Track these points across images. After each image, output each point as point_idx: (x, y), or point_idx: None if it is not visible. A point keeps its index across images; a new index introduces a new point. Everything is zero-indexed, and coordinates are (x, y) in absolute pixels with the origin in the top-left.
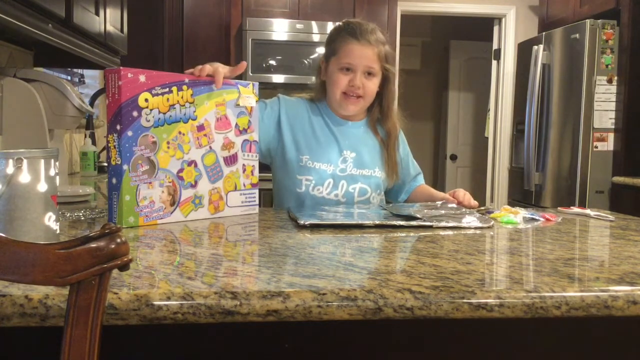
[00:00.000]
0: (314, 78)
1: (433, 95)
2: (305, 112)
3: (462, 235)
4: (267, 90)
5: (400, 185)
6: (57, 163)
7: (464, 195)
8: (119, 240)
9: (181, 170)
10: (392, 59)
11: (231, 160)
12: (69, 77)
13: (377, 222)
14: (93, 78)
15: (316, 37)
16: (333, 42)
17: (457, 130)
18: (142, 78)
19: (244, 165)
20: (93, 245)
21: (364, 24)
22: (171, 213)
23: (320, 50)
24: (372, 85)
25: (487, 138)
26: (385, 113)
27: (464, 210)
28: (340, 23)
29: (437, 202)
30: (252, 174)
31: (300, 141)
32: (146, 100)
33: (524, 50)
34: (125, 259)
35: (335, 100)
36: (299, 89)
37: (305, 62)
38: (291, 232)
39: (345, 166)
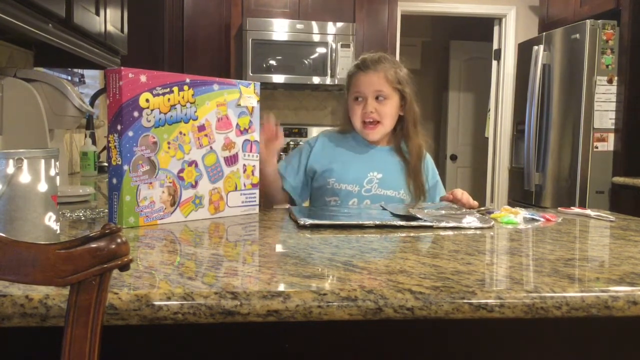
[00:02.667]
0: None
1: (433, 95)
2: (332, 144)
3: (462, 236)
4: (267, 91)
5: None
6: (57, 163)
7: (462, 194)
8: (119, 240)
9: (182, 170)
10: (406, 80)
11: (232, 160)
12: (69, 77)
13: (378, 223)
14: (93, 78)
15: (316, 37)
16: (348, 79)
17: (457, 130)
18: (142, 78)
19: (244, 165)
20: (93, 245)
21: (372, 55)
22: (171, 213)
23: (321, 50)
24: (386, 108)
25: (487, 138)
26: (406, 133)
27: (464, 210)
28: (355, 61)
29: (437, 203)
30: (253, 174)
31: (326, 170)
32: (147, 100)
33: (524, 51)
34: (126, 259)
35: (357, 129)
36: (299, 89)
37: (306, 62)
38: (291, 232)
39: (370, 186)
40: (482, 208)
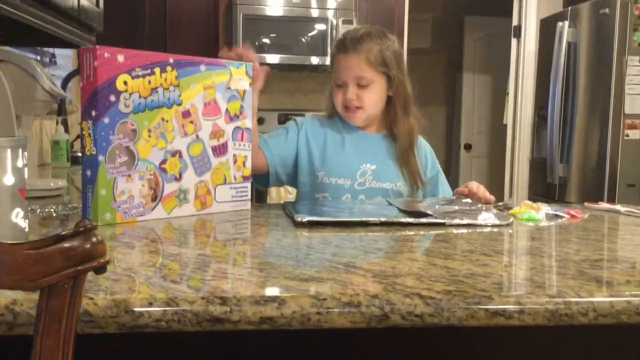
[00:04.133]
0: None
1: (445, 77)
2: (320, 129)
3: (477, 234)
4: None
5: None
6: (25, 153)
7: (478, 188)
8: (94, 239)
9: (164, 161)
10: (393, 59)
11: (220, 150)
12: (38, 57)
13: (383, 220)
14: (65, 58)
15: (315, 12)
16: (330, 60)
17: (472, 116)
18: (120, 58)
19: (234, 155)
20: (66, 245)
21: (354, 33)
22: (152, 209)
23: (320, 26)
24: (368, 95)
25: (506, 125)
26: (394, 116)
27: (479, 206)
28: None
29: (450, 197)
30: (244, 166)
31: (315, 159)
32: (125, 82)
33: (548, 27)
34: (102, 261)
35: (341, 114)
36: (296, 70)
37: (303, 40)
38: (287, 230)
39: (364, 180)
40: (500, 203)
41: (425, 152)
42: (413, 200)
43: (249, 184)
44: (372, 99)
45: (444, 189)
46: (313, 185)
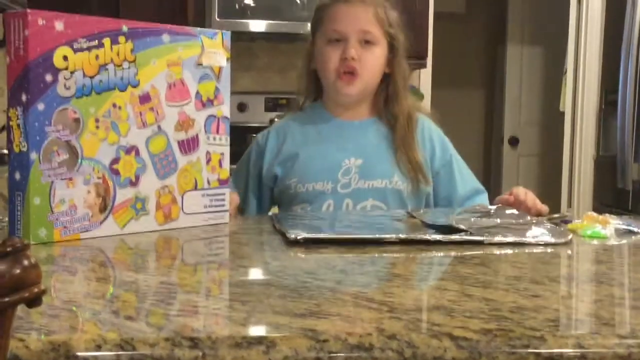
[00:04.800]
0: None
1: (484, 50)
2: (289, 130)
3: (526, 256)
4: (241, 43)
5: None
6: None
7: (526, 195)
8: (26, 262)
9: (116, 160)
10: (398, 24)
11: (189, 145)
12: None
13: (403, 236)
14: None
15: None
16: (317, 13)
17: (519, 102)
18: (58, 26)
19: (208, 153)
20: None
21: None
22: (101, 223)
23: None
24: (372, 57)
25: (563, 113)
26: (394, 95)
27: (528, 219)
28: None
29: (490, 207)
30: (220, 166)
31: (286, 168)
32: (65, 57)
33: None
34: (36, 290)
35: (330, 84)
36: (287, 40)
37: (297, 1)
38: (277, 250)
39: (348, 179)
40: (556, 215)
41: (432, 138)
42: (439, 210)
43: (226, 191)
44: (374, 63)
45: (463, 181)
46: (288, 199)
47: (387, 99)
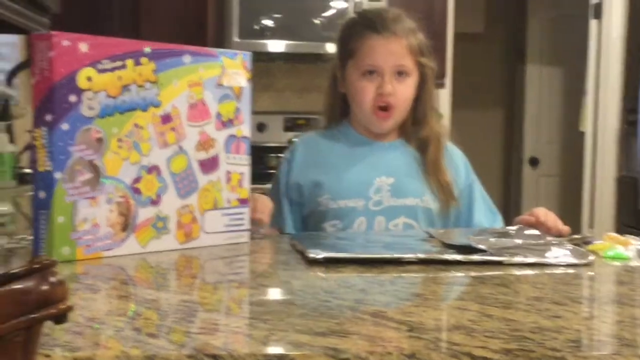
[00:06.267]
0: (328, 47)
1: (503, 69)
2: (316, 148)
3: (546, 276)
4: (260, 63)
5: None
6: None
7: (547, 215)
8: (53, 279)
9: (138, 179)
10: (428, 48)
11: (210, 165)
12: None
13: (422, 256)
14: (10, 46)
15: None
16: (348, 41)
17: (539, 121)
18: (83, 47)
19: (228, 172)
20: (17, 286)
21: (384, 11)
22: (123, 242)
23: (338, 4)
24: (405, 89)
25: (584, 133)
26: (422, 118)
27: (549, 239)
28: (354, 14)
29: (510, 228)
30: (240, 186)
31: (317, 182)
32: (89, 78)
33: (639, 4)
34: (63, 307)
35: (365, 117)
36: (306, 61)
37: (316, 22)
38: (297, 269)
39: (380, 197)
40: (577, 236)
41: (457, 161)
42: (458, 230)
43: (246, 210)
44: (407, 94)
45: (483, 204)
46: (318, 215)
47: (414, 122)
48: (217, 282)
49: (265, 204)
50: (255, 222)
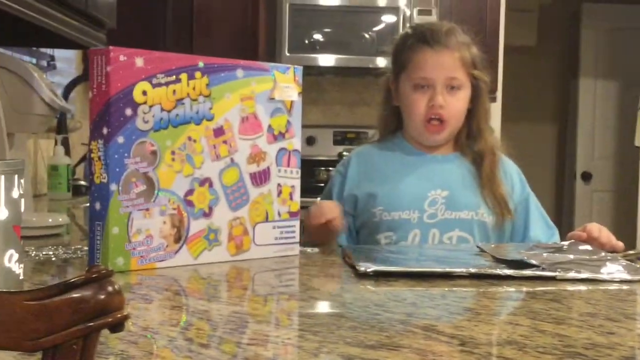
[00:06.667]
0: (379, 61)
1: (556, 84)
2: (370, 159)
3: (600, 292)
4: (310, 77)
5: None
6: (22, 180)
7: (601, 231)
8: (110, 288)
9: (190, 191)
10: (481, 62)
11: (261, 178)
12: (34, 60)
13: (473, 271)
14: (67, 61)
15: (382, 1)
16: (400, 54)
17: (593, 136)
18: (139, 62)
19: (279, 185)
20: (76, 295)
21: (437, 25)
22: (175, 253)
23: (389, 18)
24: (458, 102)
25: (638, 148)
26: (477, 132)
27: (603, 255)
28: (407, 29)
29: (563, 243)
30: (291, 199)
31: (372, 194)
32: (144, 92)
33: None
34: (120, 316)
35: (416, 129)
36: (356, 75)
37: (367, 36)
38: (347, 282)
39: (435, 210)
40: (631, 252)
41: (512, 174)
42: (510, 245)
43: (296, 223)
44: (460, 108)
45: (540, 218)
46: (372, 227)
47: (468, 135)
48: (268, 294)
49: (332, 209)
50: (328, 231)
